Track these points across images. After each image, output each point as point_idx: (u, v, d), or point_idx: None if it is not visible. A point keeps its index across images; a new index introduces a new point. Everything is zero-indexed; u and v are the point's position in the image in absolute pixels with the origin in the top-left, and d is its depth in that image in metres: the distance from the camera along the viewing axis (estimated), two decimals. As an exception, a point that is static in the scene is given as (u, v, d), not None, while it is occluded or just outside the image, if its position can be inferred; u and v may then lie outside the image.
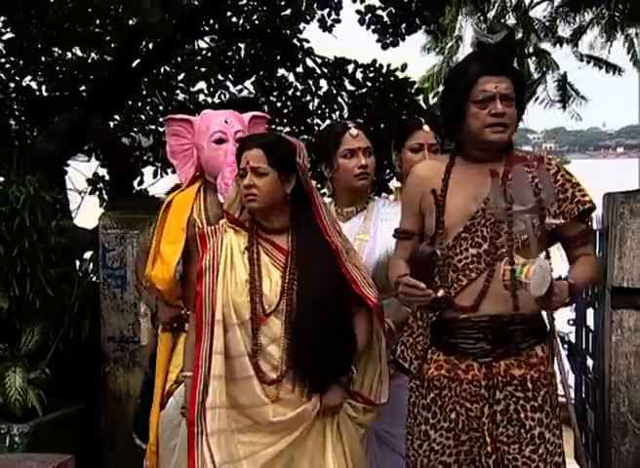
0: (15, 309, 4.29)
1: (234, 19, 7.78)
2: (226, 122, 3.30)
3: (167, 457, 3.22)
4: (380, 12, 7.46)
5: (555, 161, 2.58)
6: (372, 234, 3.22)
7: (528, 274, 2.36)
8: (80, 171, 7.18)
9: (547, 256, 2.42)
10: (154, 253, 3.30)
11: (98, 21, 7.14)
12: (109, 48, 7.36)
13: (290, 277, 2.78)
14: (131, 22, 6.55)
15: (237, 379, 2.78)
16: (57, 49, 7.68)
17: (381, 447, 3.20)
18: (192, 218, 3.29)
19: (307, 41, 7.72)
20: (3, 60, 7.53)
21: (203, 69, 7.93)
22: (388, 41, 7.38)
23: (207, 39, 7.90)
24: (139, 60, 7.02)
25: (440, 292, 2.61)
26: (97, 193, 7.26)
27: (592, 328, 4.29)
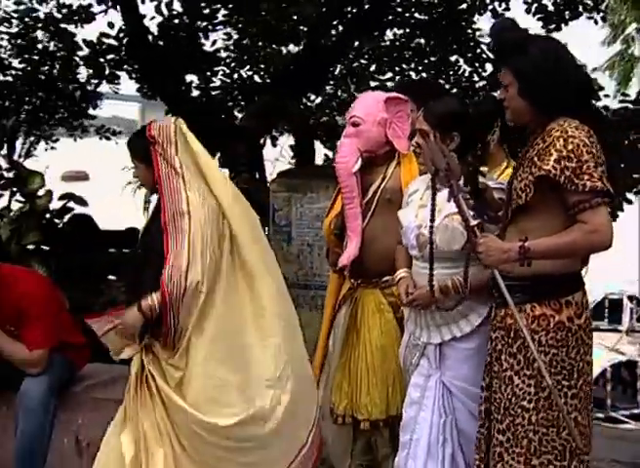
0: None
1: (417, 15, 8.32)
2: (351, 107, 3.38)
3: None
4: (545, 1, 7.67)
5: (558, 133, 2.46)
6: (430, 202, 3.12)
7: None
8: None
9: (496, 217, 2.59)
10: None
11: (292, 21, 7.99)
12: (304, 43, 8.19)
13: None
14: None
15: None
16: (270, 44, 8.63)
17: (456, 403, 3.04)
18: None
19: (480, 30, 8.11)
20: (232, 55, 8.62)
21: (386, 59, 8.54)
22: (552, 27, 7.55)
23: (389, 33, 8.52)
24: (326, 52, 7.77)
25: None
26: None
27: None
